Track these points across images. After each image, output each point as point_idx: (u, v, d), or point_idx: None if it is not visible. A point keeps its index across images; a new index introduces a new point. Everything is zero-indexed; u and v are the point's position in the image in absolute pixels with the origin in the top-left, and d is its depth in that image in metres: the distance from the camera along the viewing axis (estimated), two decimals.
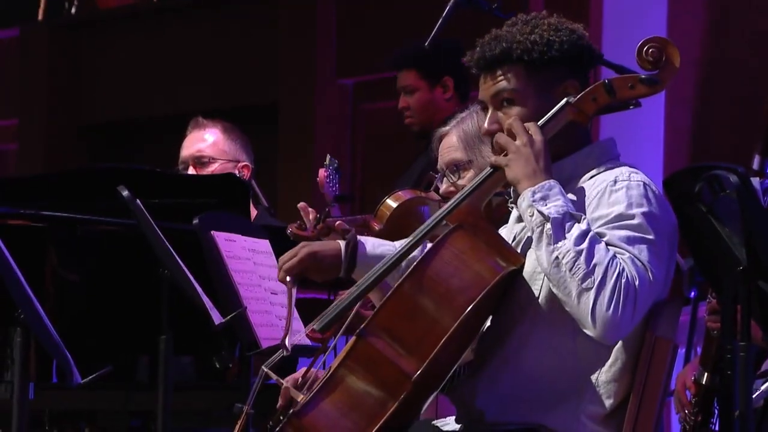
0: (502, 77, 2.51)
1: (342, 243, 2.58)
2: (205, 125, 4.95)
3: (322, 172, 3.35)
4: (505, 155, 2.45)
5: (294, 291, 2.56)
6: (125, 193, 3.27)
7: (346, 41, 8.25)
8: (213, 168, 4.81)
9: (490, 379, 2.50)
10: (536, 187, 2.39)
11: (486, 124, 2.55)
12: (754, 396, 2.72)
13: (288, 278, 2.54)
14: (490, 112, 2.54)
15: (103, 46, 8.42)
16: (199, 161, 4.96)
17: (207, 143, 5.02)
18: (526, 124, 2.45)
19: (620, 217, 2.41)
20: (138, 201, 3.35)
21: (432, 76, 4.67)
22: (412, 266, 2.44)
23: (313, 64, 8.15)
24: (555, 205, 2.37)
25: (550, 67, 2.49)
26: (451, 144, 3.14)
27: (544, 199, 2.38)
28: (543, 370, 2.46)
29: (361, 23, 8.09)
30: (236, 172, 5.05)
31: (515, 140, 2.43)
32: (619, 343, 2.45)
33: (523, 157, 2.42)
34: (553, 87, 2.50)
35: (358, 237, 2.63)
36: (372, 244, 2.62)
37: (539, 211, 2.37)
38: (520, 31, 2.50)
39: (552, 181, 2.41)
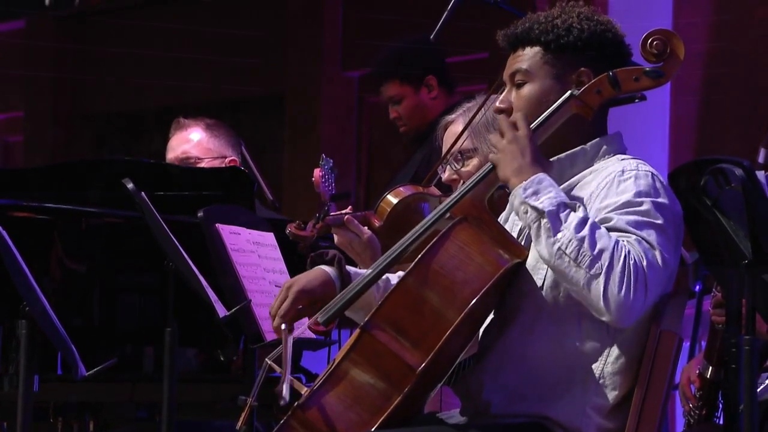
0: (520, 57, 2.53)
1: (327, 268, 2.54)
2: (187, 125, 4.96)
3: (317, 172, 3.33)
4: None
5: (290, 339, 2.49)
6: (130, 185, 3.27)
7: (351, 34, 8.25)
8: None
9: (495, 371, 2.50)
10: (525, 183, 2.39)
11: (497, 102, 2.56)
12: (758, 390, 2.72)
13: (283, 326, 2.48)
14: (506, 90, 2.55)
15: (109, 37, 8.41)
16: (186, 162, 5.00)
17: (191, 143, 5.04)
18: (512, 117, 2.46)
19: (628, 204, 2.41)
20: (143, 194, 3.35)
21: (414, 79, 4.67)
22: (416, 259, 2.44)
23: (320, 56, 8.16)
24: (547, 198, 2.37)
25: (567, 53, 2.50)
26: (456, 132, 3.14)
27: (535, 193, 2.38)
28: (547, 361, 2.46)
29: (367, 15, 8.07)
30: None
31: (503, 138, 2.44)
32: (624, 335, 2.45)
33: (509, 155, 2.42)
34: (566, 73, 2.51)
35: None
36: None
37: (532, 207, 2.37)
38: (549, 14, 2.52)
39: (541, 174, 2.40)
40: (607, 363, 2.46)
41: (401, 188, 3.39)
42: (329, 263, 2.56)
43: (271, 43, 8.15)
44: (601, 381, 2.45)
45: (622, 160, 2.51)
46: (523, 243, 2.53)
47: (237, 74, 8.08)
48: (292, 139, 7.89)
